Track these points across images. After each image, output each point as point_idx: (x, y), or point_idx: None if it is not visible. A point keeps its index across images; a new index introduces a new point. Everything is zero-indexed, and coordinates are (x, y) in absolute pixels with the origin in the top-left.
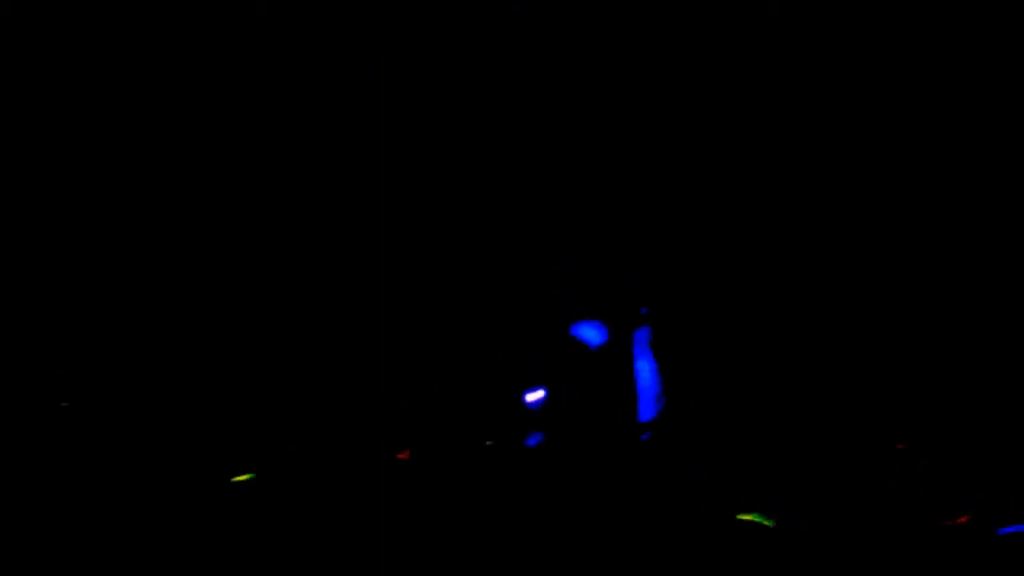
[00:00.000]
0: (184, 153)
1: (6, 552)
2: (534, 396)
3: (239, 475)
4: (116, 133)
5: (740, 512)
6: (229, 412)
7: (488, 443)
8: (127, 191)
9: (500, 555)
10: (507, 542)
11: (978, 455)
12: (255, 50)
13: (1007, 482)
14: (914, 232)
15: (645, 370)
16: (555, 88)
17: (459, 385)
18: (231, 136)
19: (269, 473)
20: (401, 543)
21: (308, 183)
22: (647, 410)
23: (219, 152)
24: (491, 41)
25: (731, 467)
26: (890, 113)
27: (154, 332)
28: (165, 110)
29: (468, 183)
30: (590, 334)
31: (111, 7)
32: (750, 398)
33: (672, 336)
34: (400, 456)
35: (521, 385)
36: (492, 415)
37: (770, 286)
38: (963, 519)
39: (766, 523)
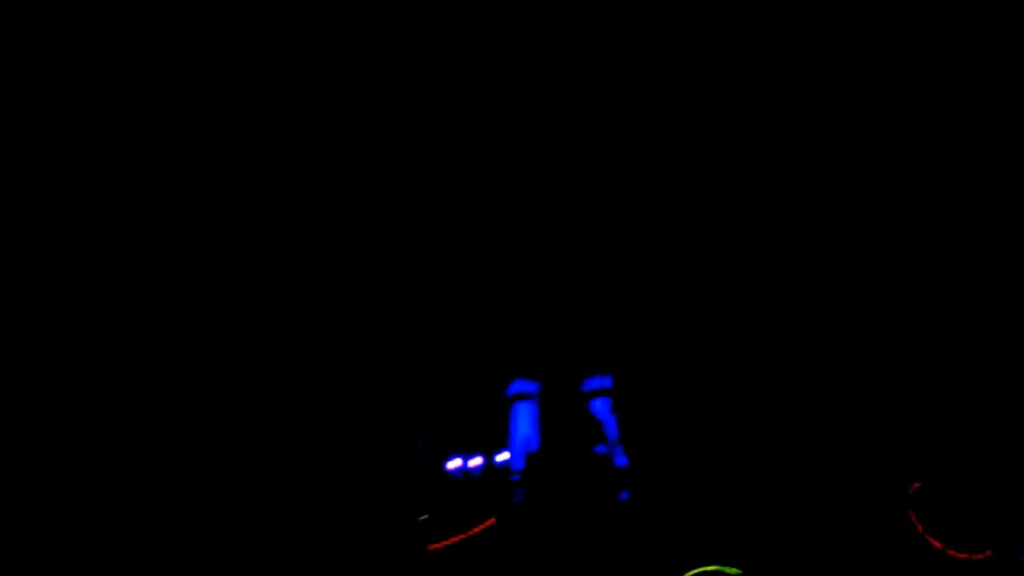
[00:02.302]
0: (184, 153)
1: (6, 552)
2: (455, 464)
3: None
4: (116, 133)
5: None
6: (230, 412)
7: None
8: (127, 191)
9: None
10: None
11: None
12: (256, 50)
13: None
14: (913, 237)
15: (610, 423)
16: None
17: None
18: (232, 136)
19: (269, 473)
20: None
21: (309, 183)
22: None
23: (220, 152)
24: (491, 41)
25: (730, 471)
26: (886, 119)
27: (154, 332)
28: (165, 110)
29: (467, 183)
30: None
31: (112, 7)
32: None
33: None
34: (479, 528)
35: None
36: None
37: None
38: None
39: (730, 571)
